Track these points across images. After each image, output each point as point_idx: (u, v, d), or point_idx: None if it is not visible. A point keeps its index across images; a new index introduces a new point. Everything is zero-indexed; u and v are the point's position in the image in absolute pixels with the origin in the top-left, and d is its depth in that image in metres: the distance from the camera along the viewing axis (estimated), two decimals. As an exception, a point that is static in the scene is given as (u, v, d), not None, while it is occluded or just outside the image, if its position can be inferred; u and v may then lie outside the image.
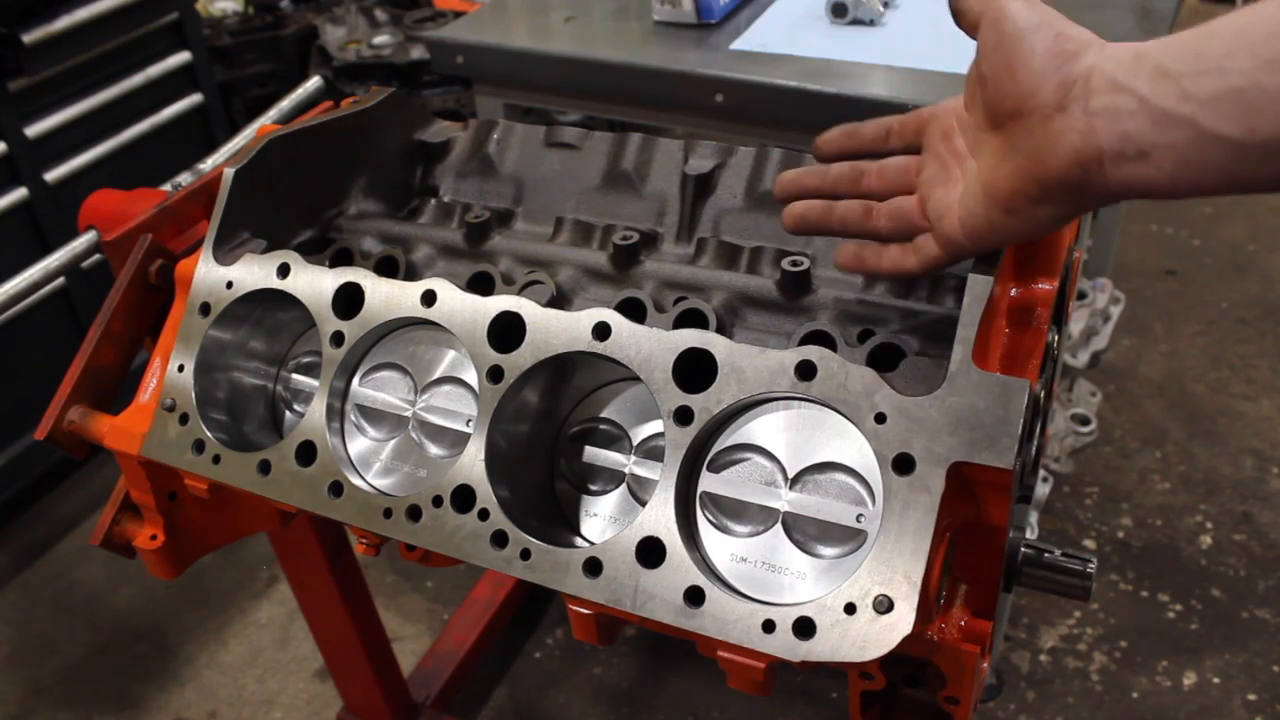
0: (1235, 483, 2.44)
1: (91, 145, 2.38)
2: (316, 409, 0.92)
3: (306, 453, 0.92)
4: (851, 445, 0.78)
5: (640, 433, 0.90)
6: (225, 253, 1.00)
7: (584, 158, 1.09)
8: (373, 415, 0.96)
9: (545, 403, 0.91)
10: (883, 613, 0.72)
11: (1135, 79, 0.64)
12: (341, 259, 1.07)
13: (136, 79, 2.45)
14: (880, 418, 0.75)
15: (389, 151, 1.14)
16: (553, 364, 0.86)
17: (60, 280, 1.49)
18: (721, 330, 0.89)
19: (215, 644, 2.22)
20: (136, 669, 2.19)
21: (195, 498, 1.01)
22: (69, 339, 2.35)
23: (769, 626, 0.74)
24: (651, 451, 0.89)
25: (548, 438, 0.93)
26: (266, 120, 1.40)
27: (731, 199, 1.01)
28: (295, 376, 1.04)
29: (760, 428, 0.81)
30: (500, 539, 0.83)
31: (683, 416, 0.80)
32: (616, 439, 0.91)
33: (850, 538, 0.78)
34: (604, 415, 0.92)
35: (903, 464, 0.73)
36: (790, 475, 0.80)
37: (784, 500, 0.80)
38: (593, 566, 0.79)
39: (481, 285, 0.99)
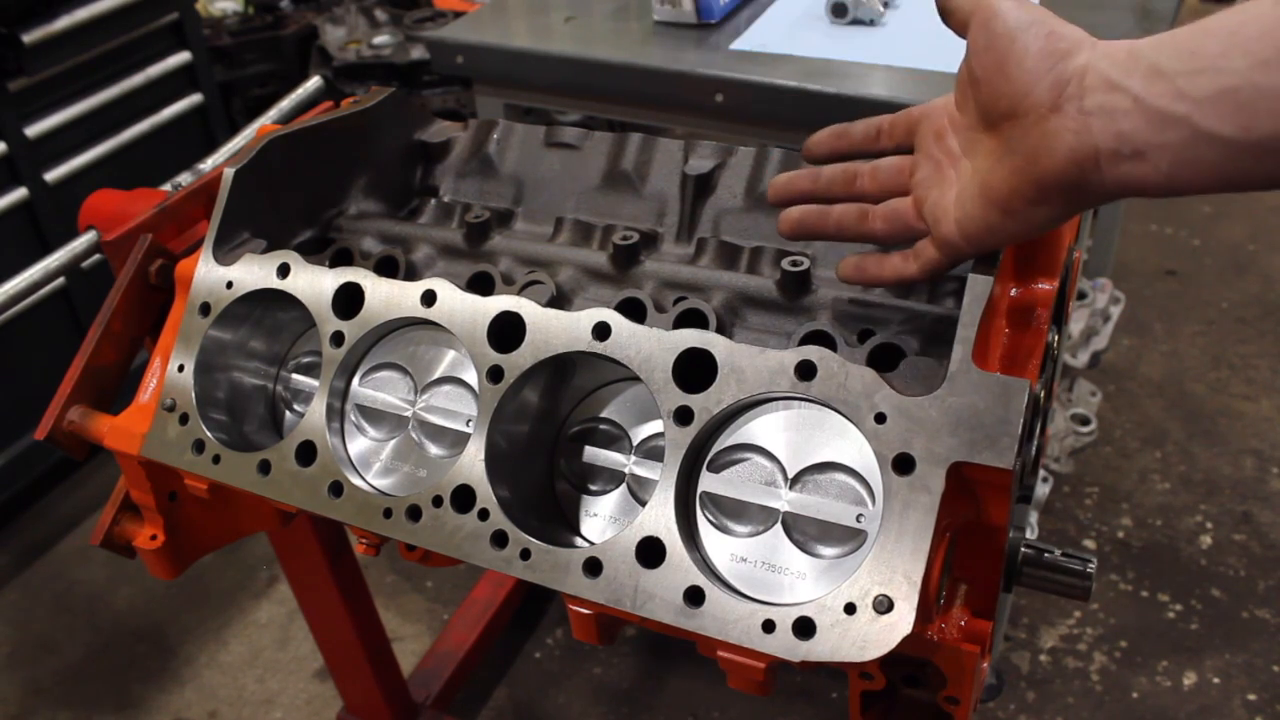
0: (1235, 483, 2.44)
1: (91, 145, 2.38)
2: (316, 409, 0.92)
3: (306, 453, 0.92)
4: (851, 445, 0.78)
5: (640, 433, 0.90)
6: (225, 253, 1.00)
7: (584, 158, 1.09)
8: (373, 415, 0.96)
9: (545, 403, 0.91)
10: (883, 613, 0.72)
11: (1130, 78, 0.64)
12: (341, 259, 1.07)
13: (136, 79, 2.45)
14: (880, 418, 0.75)
15: (389, 151, 1.14)
16: (553, 364, 0.86)
17: (60, 280, 1.49)
18: (721, 330, 0.89)
19: (215, 644, 2.22)
20: (136, 669, 2.19)
21: (195, 498, 1.01)
22: (69, 339, 2.35)
23: (769, 626, 0.74)
24: (651, 451, 0.89)
25: (548, 438, 0.93)
26: (266, 120, 1.40)
27: (731, 199, 1.01)
28: (295, 376, 1.04)
29: (760, 428, 0.81)
30: (500, 539, 0.83)
31: (683, 416, 0.80)
32: (616, 439, 0.91)
33: (850, 538, 0.79)
34: (604, 415, 0.92)
35: (903, 464, 0.73)
36: (790, 475, 0.80)
37: (784, 500, 0.80)
38: (593, 566, 0.80)
39: (481, 285, 0.99)
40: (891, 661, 0.74)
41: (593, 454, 0.90)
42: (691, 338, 0.81)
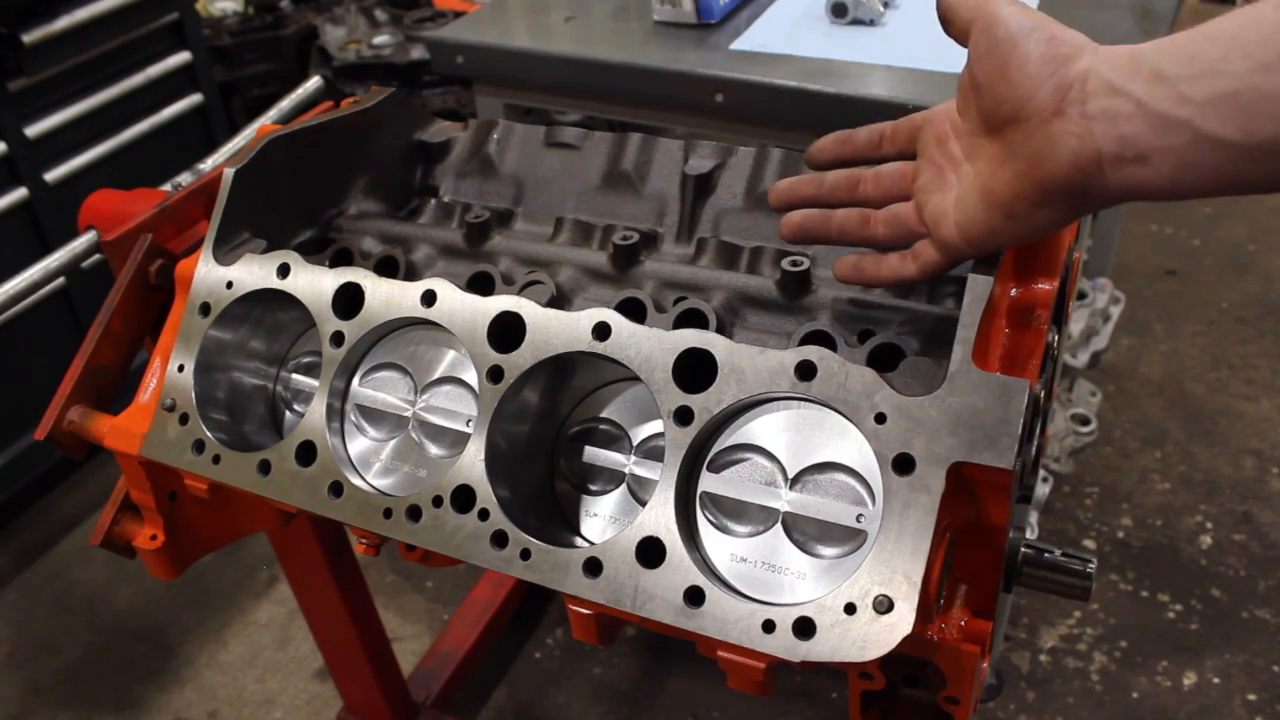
0: (1235, 483, 2.44)
1: (91, 145, 2.38)
2: (316, 409, 0.92)
3: (306, 453, 0.92)
4: (851, 445, 0.78)
5: (640, 433, 0.90)
6: (225, 253, 1.00)
7: (584, 158, 1.09)
8: (373, 415, 0.96)
9: (545, 403, 0.91)
10: (883, 613, 0.72)
11: (1132, 82, 0.64)
12: (341, 259, 1.07)
13: (136, 79, 2.45)
14: (880, 418, 0.75)
15: (389, 151, 1.14)
16: (553, 364, 0.86)
17: (60, 280, 1.50)
18: (721, 330, 0.89)
19: (215, 644, 2.22)
20: (136, 669, 2.19)
21: (195, 498, 1.01)
22: (69, 339, 2.36)
23: (769, 626, 0.74)
24: (651, 451, 0.89)
25: (548, 438, 0.93)
26: (266, 120, 1.40)
27: (731, 199, 1.01)
28: (295, 376, 1.04)
29: (760, 428, 0.81)
30: (500, 539, 0.83)
31: (683, 416, 0.80)
32: (616, 439, 0.91)
33: (850, 538, 0.79)
34: (604, 415, 0.92)
35: (903, 464, 0.73)
36: (790, 475, 0.80)
37: (784, 500, 0.80)
38: (593, 566, 0.80)
39: (481, 285, 0.99)
40: (891, 661, 0.74)
41: (593, 454, 0.90)
42: (691, 338, 0.81)
